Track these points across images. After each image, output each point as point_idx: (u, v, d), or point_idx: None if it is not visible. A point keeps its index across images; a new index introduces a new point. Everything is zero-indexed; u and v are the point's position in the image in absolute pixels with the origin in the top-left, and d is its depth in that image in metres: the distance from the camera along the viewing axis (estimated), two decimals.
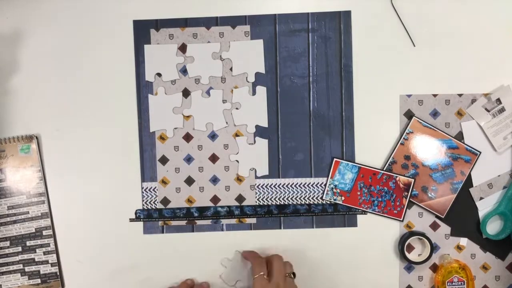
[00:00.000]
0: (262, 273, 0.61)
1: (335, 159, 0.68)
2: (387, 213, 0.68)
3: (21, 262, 0.68)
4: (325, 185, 0.68)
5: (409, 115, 0.67)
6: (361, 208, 0.68)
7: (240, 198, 0.68)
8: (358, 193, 0.68)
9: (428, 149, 0.67)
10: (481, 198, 0.68)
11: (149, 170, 0.68)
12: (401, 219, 0.68)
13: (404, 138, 0.67)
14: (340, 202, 0.68)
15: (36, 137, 0.68)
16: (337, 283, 0.68)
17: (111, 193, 0.68)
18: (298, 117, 0.68)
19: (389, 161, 0.67)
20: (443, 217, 0.67)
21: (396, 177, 0.67)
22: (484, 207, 0.68)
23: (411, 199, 0.67)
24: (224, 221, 0.69)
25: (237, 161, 0.68)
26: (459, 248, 0.69)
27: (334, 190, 0.68)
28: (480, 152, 0.67)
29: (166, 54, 0.68)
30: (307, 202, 0.68)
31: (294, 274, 0.63)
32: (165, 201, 0.69)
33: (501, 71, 0.67)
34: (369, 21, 0.67)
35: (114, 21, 0.68)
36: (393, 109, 0.68)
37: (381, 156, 0.68)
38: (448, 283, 0.67)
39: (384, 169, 0.67)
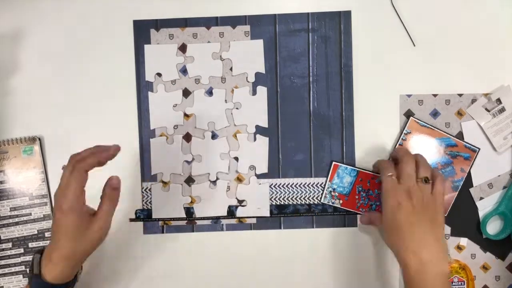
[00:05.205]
0: (390, 173, 0.59)
1: (334, 163, 0.68)
2: None
3: (23, 264, 0.68)
4: (323, 188, 0.68)
5: (408, 115, 0.67)
6: (359, 212, 0.68)
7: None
8: (356, 196, 0.68)
9: (427, 149, 0.67)
10: (481, 198, 0.68)
11: (149, 170, 0.68)
12: None
13: (402, 138, 0.67)
14: (338, 206, 0.68)
15: (39, 139, 0.68)
16: (337, 283, 0.69)
17: None
18: (298, 117, 0.68)
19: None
20: (446, 215, 0.67)
21: None
22: (484, 207, 0.68)
23: None
24: (224, 221, 0.69)
25: (236, 158, 0.68)
26: (459, 248, 0.69)
27: (333, 193, 0.68)
28: (479, 149, 0.67)
29: (166, 54, 0.68)
30: (307, 202, 0.68)
31: (427, 178, 0.58)
32: None
33: (501, 71, 0.67)
34: (369, 21, 0.67)
35: (114, 21, 0.68)
36: (393, 109, 0.68)
37: (381, 156, 0.68)
38: None
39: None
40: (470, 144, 0.67)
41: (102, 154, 0.55)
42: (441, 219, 0.58)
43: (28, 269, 0.67)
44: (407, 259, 0.56)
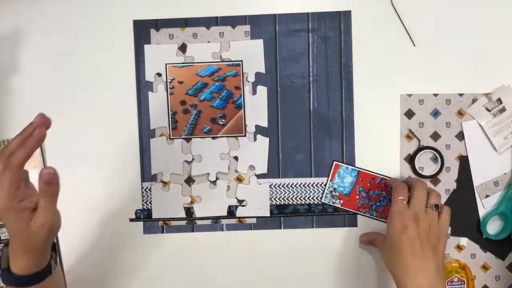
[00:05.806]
0: (401, 197, 0.59)
1: (335, 162, 0.68)
2: (385, 218, 0.68)
3: None
4: (323, 188, 0.68)
5: (409, 114, 0.67)
6: (359, 213, 0.68)
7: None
8: (357, 197, 0.68)
9: (197, 84, 0.67)
10: (487, 196, 0.68)
11: (149, 170, 0.68)
12: None
13: (169, 87, 0.67)
14: (339, 206, 0.68)
15: None
16: (337, 283, 0.69)
17: (112, 193, 0.68)
18: (298, 117, 0.68)
19: (170, 114, 0.67)
20: (244, 135, 0.67)
21: None
22: (486, 206, 0.68)
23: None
24: (224, 221, 0.69)
25: (236, 158, 0.68)
26: (459, 248, 0.69)
27: (333, 193, 0.68)
28: (242, 60, 0.67)
29: (166, 54, 0.68)
30: (307, 202, 0.68)
31: (437, 206, 0.60)
32: None
33: (502, 71, 0.67)
34: (369, 21, 0.67)
35: (114, 21, 0.68)
36: (393, 108, 0.68)
37: (382, 155, 0.68)
38: (448, 283, 0.67)
39: (171, 126, 0.66)
40: (230, 60, 0.67)
41: (29, 142, 0.49)
42: (443, 248, 0.59)
43: None
44: (407, 282, 0.56)
